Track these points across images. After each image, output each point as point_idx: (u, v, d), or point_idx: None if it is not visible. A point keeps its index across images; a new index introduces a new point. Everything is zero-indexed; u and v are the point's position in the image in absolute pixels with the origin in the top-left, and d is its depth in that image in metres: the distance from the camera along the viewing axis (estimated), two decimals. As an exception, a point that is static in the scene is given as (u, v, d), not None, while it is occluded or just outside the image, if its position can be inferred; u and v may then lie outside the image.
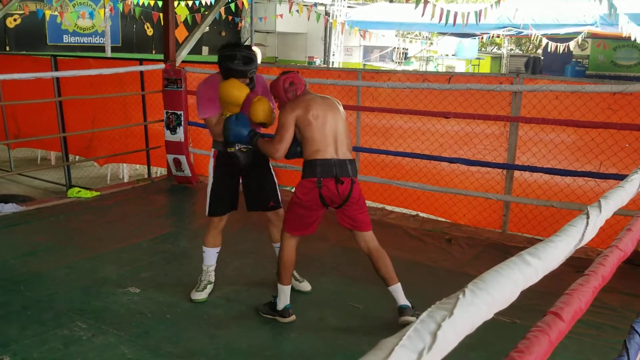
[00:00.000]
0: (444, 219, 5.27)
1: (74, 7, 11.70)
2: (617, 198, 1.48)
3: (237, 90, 3.20)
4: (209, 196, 3.46)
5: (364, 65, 16.97)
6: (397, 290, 3.15)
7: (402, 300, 3.14)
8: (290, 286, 3.23)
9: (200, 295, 3.45)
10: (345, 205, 3.09)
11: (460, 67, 18.04)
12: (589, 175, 4.36)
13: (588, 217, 1.27)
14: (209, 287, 3.51)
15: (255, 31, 15.78)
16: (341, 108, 3.22)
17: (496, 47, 21.22)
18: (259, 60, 15.23)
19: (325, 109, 3.09)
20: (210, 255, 3.53)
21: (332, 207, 3.13)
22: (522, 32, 12.61)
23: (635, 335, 1.56)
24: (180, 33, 11.91)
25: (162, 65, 6.01)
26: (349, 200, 3.07)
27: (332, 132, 3.07)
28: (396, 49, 18.90)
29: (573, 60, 16.07)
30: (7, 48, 11.04)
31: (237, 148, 3.29)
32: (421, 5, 6.92)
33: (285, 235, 3.21)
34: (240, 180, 3.48)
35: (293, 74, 3.24)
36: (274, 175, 3.55)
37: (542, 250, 1.04)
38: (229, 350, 2.93)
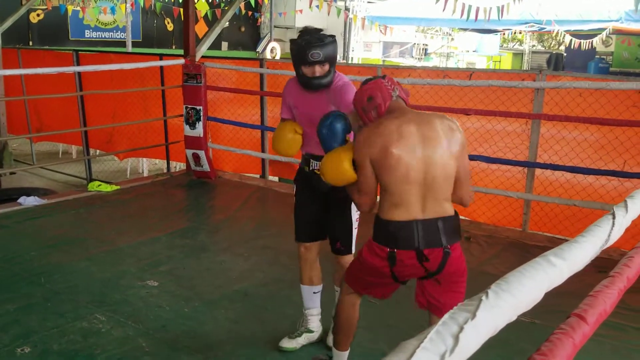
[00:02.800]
0: (463, 217, 5.21)
1: (95, 2, 11.80)
2: (644, 198, 1.45)
3: (283, 142, 2.74)
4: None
5: (383, 61, 16.87)
6: None
7: None
8: (347, 352, 2.48)
9: (288, 344, 2.86)
10: (431, 279, 2.20)
11: (481, 64, 17.86)
12: (612, 174, 4.29)
13: (614, 217, 1.24)
14: (305, 336, 2.90)
15: (275, 27, 15.75)
16: (448, 133, 2.14)
17: (518, 43, 20.95)
18: (278, 56, 15.25)
19: (416, 142, 2.09)
20: (306, 295, 2.91)
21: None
22: (544, 28, 12.42)
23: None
24: (200, 28, 11.97)
25: (181, 61, 6.04)
26: (439, 274, 2.17)
27: (420, 179, 2.09)
28: (416, 44, 18.77)
29: (596, 57, 15.80)
30: (30, 43, 11.16)
31: (311, 168, 2.77)
32: (442, 0, 6.85)
33: (345, 287, 2.41)
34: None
35: (374, 84, 2.24)
36: (354, 217, 2.80)
37: (567, 250, 1.01)
38: (246, 346, 2.93)
